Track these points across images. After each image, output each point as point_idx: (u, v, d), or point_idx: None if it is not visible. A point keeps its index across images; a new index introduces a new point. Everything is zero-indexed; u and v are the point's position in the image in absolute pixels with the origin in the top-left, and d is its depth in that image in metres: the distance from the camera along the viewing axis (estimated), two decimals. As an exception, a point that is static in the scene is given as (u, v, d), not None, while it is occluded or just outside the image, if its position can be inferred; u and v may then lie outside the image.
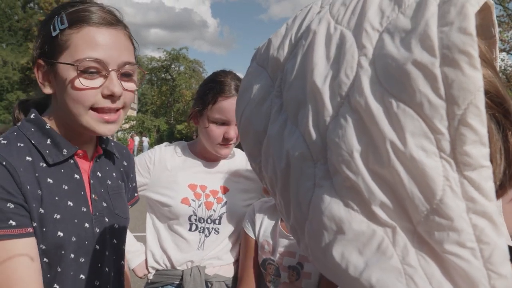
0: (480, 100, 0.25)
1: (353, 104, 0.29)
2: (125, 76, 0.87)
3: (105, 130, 0.86)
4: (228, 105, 1.33)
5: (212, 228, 1.42)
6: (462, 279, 0.27)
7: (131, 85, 0.88)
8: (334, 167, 0.31)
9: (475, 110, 0.25)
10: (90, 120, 0.84)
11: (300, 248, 0.37)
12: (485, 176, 0.27)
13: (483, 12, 0.36)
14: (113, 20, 0.85)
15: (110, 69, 0.83)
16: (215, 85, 1.36)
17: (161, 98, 35.27)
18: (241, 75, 1.44)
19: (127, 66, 0.86)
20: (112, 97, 0.84)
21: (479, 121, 0.26)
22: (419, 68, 0.26)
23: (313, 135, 0.32)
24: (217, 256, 1.44)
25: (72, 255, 0.86)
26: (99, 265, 0.92)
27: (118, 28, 0.86)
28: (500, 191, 0.33)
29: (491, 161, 0.29)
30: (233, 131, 1.35)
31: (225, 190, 1.45)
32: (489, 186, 0.27)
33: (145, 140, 22.75)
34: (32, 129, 0.86)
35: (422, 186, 0.27)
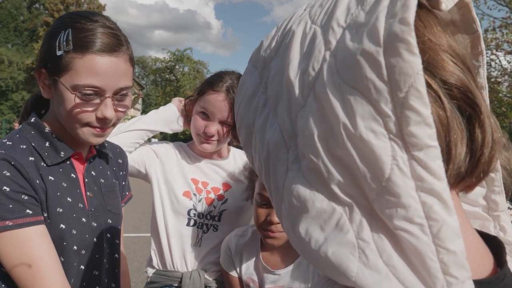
0: (420, 83, 0.27)
1: (316, 93, 0.32)
2: (120, 98, 0.94)
3: (96, 141, 0.95)
4: (212, 99, 1.34)
5: (211, 224, 1.42)
6: (411, 253, 0.29)
7: (124, 106, 0.96)
8: (301, 152, 0.34)
9: (415, 92, 0.27)
10: (84, 133, 0.92)
11: (284, 230, 0.39)
12: (432, 156, 0.28)
13: (462, 9, 0.38)
14: (115, 45, 0.90)
15: (106, 95, 0.89)
16: (212, 79, 1.39)
17: (165, 98, 35.34)
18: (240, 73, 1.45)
19: (123, 91, 0.93)
20: (104, 120, 0.91)
21: (420, 103, 0.27)
22: (366, 57, 0.29)
23: (287, 123, 0.35)
24: (217, 260, 1.42)
25: (75, 247, 0.93)
26: (96, 256, 0.99)
27: (120, 54, 0.90)
28: (466, 178, 0.35)
29: (451, 146, 0.31)
30: (213, 127, 1.35)
31: (227, 188, 1.45)
32: (437, 165, 0.28)
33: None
34: (32, 132, 0.94)
35: (372, 165, 0.29)
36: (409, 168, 0.28)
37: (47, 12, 31.63)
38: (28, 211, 0.84)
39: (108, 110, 0.90)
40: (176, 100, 1.54)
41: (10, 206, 0.82)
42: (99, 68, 0.87)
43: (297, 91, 0.34)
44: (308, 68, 0.33)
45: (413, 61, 0.27)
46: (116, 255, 1.08)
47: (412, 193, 0.28)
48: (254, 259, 1.31)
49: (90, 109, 0.89)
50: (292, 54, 0.35)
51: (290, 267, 1.23)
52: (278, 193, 0.37)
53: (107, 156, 1.10)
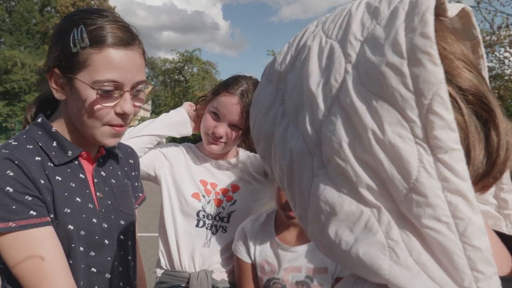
0: (443, 90, 0.30)
1: (341, 103, 0.34)
2: (136, 93, 0.93)
3: (111, 142, 0.94)
4: (226, 101, 1.35)
5: (220, 225, 1.42)
6: (439, 250, 0.30)
7: (140, 102, 0.95)
8: (327, 158, 0.36)
9: (439, 99, 0.29)
10: (103, 134, 0.91)
11: (308, 236, 0.41)
12: (456, 158, 0.30)
13: (463, 18, 0.41)
14: (129, 39, 0.89)
15: (125, 89, 0.88)
16: (228, 81, 1.40)
17: (175, 99, 35.47)
18: (252, 75, 1.45)
19: (139, 85, 0.92)
20: (123, 115, 0.90)
21: (444, 108, 0.30)
22: (391, 69, 0.31)
23: (310, 132, 0.37)
24: (225, 260, 1.42)
25: (82, 249, 0.90)
26: (108, 258, 0.96)
27: (134, 48, 0.90)
28: (483, 179, 0.37)
29: (470, 149, 0.34)
30: (222, 128, 1.35)
31: (236, 189, 1.45)
32: (461, 167, 0.30)
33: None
34: (39, 132, 0.92)
35: (400, 168, 0.31)
36: (435, 170, 0.30)
37: (58, 15, 32.00)
38: (32, 212, 0.82)
39: (127, 105, 0.89)
40: (186, 104, 1.55)
41: (14, 207, 0.81)
42: (116, 62, 0.86)
43: (320, 102, 0.36)
44: (330, 80, 0.36)
45: (436, 71, 0.30)
46: (130, 257, 1.06)
47: (438, 193, 0.30)
48: (269, 240, 1.31)
49: (111, 104, 0.88)
50: (311, 67, 0.38)
51: (307, 246, 1.24)
52: (303, 198, 0.39)
53: (117, 156, 1.08)
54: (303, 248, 1.25)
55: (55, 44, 0.89)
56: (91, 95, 0.86)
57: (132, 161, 1.15)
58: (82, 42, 0.84)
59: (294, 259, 1.25)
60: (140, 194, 1.19)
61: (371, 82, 0.33)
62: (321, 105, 0.36)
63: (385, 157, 0.32)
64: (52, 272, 0.81)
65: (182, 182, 1.42)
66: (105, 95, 0.86)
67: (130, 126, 1.58)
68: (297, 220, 0.44)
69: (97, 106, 0.86)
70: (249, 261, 1.31)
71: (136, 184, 1.16)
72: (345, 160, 0.34)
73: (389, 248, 0.32)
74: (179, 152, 1.48)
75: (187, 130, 1.49)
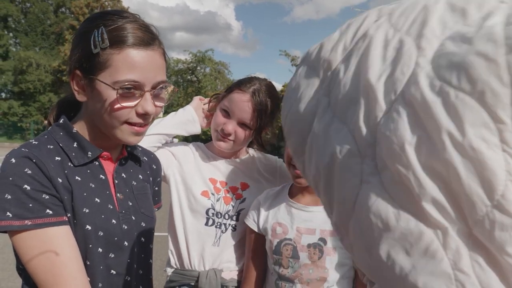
0: None
1: (407, 98, 0.29)
2: (157, 94, 0.92)
3: (134, 140, 0.94)
4: (237, 98, 1.35)
5: (229, 224, 1.41)
6: None
7: (161, 101, 0.94)
8: (383, 162, 0.30)
9: None
10: (123, 132, 0.91)
11: (343, 246, 0.37)
12: None
13: None
14: (150, 40, 0.89)
15: (145, 89, 0.88)
16: (241, 80, 1.41)
17: (187, 99, 35.62)
18: (264, 75, 1.46)
19: (160, 85, 0.91)
20: (145, 115, 0.90)
21: None
22: (481, 57, 0.26)
23: (363, 131, 0.32)
24: (234, 259, 1.42)
25: (100, 250, 0.90)
26: (128, 261, 0.95)
27: (155, 48, 0.90)
28: None
29: None
30: (231, 125, 1.35)
31: (245, 187, 1.45)
32: None
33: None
34: (61, 133, 0.93)
35: (482, 180, 0.25)
36: None
37: (72, 15, 32.41)
38: (48, 211, 0.82)
39: (148, 104, 0.89)
40: (196, 100, 1.55)
41: (30, 205, 0.81)
42: (137, 62, 0.86)
43: (379, 96, 0.31)
44: (395, 73, 0.30)
45: None
46: (151, 260, 1.05)
47: None
48: (283, 202, 1.29)
49: (132, 104, 0.88)
50: (372, 58, 0.32)
51: (322, 207, 1.21)
52: (345, 207, 0.33)
53: (139, 159, 1.07)
54: (318, 209, 1.22)
55: (76, 46, 0.90)
56: (111, 95, 0.86)
57: (155, 167, 1.15)
58: (102, 43, 0.85)
59: (308, 220, 1.22)
60: (160, 200, 1.19)
61: (451, 73, 0.27)
62: (381, 100, 0.31)
63: (463, 165, 0.26)
64: (67, 272, 0.81)
65: (191, 181, 1.41)
66: (126, 95, 0.86)
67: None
68: (332, 227, 0.38)
69: (118, 106, 0.86)
70: (255, 229, 1.31)
71: (156, 188, 1.16)
72: (407, 166, 0.28)
73: (456, 281, 0.27)
74: (188, 151, 1.48)
75: (196, 128, 1.49)
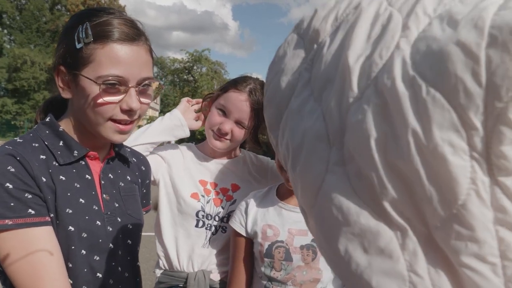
0: None
1: (379, 86, 0.27)
2: (143, 90, 0.90)
3: (119, 139, 0.91)
4: (234, 97, 1.34)
5: (220, 226, 1.40)
6: None
7: (147, 98, 0.92)
8: (349, 154, 0.28)
9: None
10: (107, 129, 0.89)
11: (308, 227, 0.36)
12: None
13: None
14: (135, 35, 0.87)
15: (130, 85, 0.86)
16: (236, 79, 1.40)
17: (183, 99, 35.63)
18: (260, 76, 1.46)
19: (146, 81, 0.90)
20: (129, 111, 0.88)
21: None
22: (461, 49, 0.23)
23: (334, 116, 0.29)
24: (223, 260, 1.41)
25: (84, 252, 0.87)
26: (113, 263, 0.93)
27: (140, 44, 0.88)
28: None
29: None
30: (228, 125, 1.34)
31: (236, 188, 1.44)
32: None
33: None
34: (47, 132, 0.91)
35: (443, 187, 0.24)
36: (490, 195, 0.23)
37: (68, 13, 32.29)
38: (30, 210, 0.80)
39: (133, 100, 0.87)
40: (183, 101, 1.53)
41: (12, 204, 0.78)
42: (121, 57, 0.84)
43: (353, 80, 0.28)
44: (373, 55, 0.28)
45: None
46: (138, 263, 1.03)
47: (489, 226, 0.23)
48: (271, 204, 1.26)
49: (115, 100, 0.86)
50: (357, 34, 0.29)
51: None
52: (309, 192, 0.32)
53: (127, 160, 1.05)
54: None
55: (61, 42, 0.89)
56: (95, 90, 0.84)
57: (144, 168, 1.13)
58: (86, 38, 0.83)
59: (300, 221, 1.18)
60: (149, 204, 1.17)
61: (426, 63, 0.24)
62: (354, 84, 0.28)
63: (425, 170, 0.24)
64: (47, 274, 0.78)
65: (181, 183, 1.40)
66: (110, 90, 0.84)
67: (139, 126, 1.58)
68: (299, 207, 0.37)
69: (101, 101, 0.84)
70: (243, 232, 1.26)
71: (144, 191, 1.13)
72: (370, 163, 0.27)
73: (410, 283, 0.26)
74: (177, 153, 1.47)
75: (184, 132, 1.47)
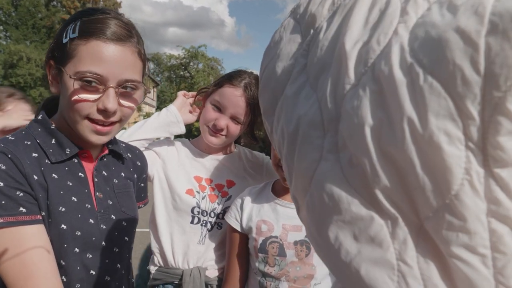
0: None
1: (376, 73, 0.26)
2: (125, 92, 0.88)
3: (96, 139, 0.89)
4: (229, 93, 1.34)
5: (215, 222, 1.40)
6: (465, 286, 0.24)
7: (130, 102, 0.90)
8: (343, 141, 0.28)
9: None
10: (84, 128, 0.87)
11: (300, 217, 0.36)
12: None
13: None
14: (123, 36, 0.86)
15: (109, 85, 0.85)
16: (231, 74, 1.40)
17: (180, 95, 35.46)
18: (257, 72, 1.45)
19: (128, 83, 0.87)
20: (105, 112, 0.86)
21: None
22: (460, 36, 0.22)
23: (329, 102, 0.29)
24: (219, 257, 1.41)
25: (77, 250, 0.87)
26: (107, 261, 0.93)
27: (127, 45, 0.86)
28: None
29: None
30: (223, 121, 1.34)
31: (231, 184, 1.44)
32: None
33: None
34: (39, 129, 0.90)
35: (437, 176, 0.24)
36: (484, 186, 0.23)
37: (64, 9, 32.07)
38: (21, 209, 0.79)
39: (110, 101, 0.85)
40: (180, 96, 1.52)
41: (3, 202, 0.78)
42: (102, 54, 0.83)
43: (350, 66, 0.28)
44: (371, 40, 0.27)
45: None
46: (131, 260, 1.03)
47: (481, 217, 0.23)
48: (266, 200, 1.27)
49: (91, 98, 0.84)
50: (354, 19, 0.29)
51: None
52: (303, 180, 0.32)
53: (121, 156, 1.04)
54: None
55: (55, 37, 0.89)
56: (71, 86, 0.83)
57: (140, 163, 1.13)
58: (72, 33, 0.83)
59: (294, 217, 1.19)
60: (147, 196, 1.17)
61: (425, 50, 0.24)
62: (351, 70, 0.28)
63: (419, 158, 0.24)
64: (38, 272, 0.78)
65: (176, 179, 1.40)
66: (88, 88, 0.83)
67: (135, 122, 1.57)
68: (290, 196, 0.36)
69: (76, 98, 0.83)
70: (238, 228, 1.28)
71: (141, 185, 1.13)
72: (364, 150, 0.26)
73: (398, 272, 0.26)
74: (172, 149, 1.46)
75: (180, 129, 1.47)
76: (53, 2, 36.53)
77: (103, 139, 0.91)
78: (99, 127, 0.88)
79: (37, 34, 36.07)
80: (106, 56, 0.83)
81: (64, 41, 0.84)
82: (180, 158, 1.46)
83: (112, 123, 0.90)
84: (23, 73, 31.14)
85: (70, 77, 0.83)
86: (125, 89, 0.88)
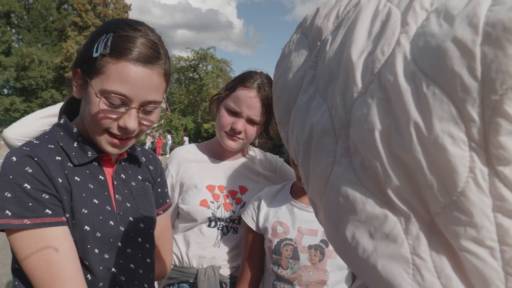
0: None
1: (382, 81, 0.28)
2: (146, 111, 0.91)
3: (111, 150, 0.92)
4: (244, 95, 1.33)
5: (231, 227, 1.40)
6: (475, 278, 0.26)
7: (149, 120, 0.93)
8: (355, 146, 0.30)
9: None
10: (102, 139, 0.90)
11: (318, 219, 0.37)
12: None
13: None
14: (152, 58, 0.87)
15: (132, 106, 0.87)
16: (243, 76, 1.38)
17: (189, 97, 35.68)
18: (266, 73, 1.44)
19: (151, 104, 0.90)
20: (125, 129, 0.88)
21: None
22: (457, 45, 0.24)
23: (340, 110, 0.31)
24: (233, 256, 1.41)
25: (96, 251, 0.90)
26: (120, 261, 0.95)
27: (155, 67, 0.88)
28: None
29: None
30: (241, 124, 1.33)
31: (244, 190, 1.43)
32: None
33: (169, 138, 23.46)
34: (61, 133, 0.93)
35: (443, 175, 0.25)
36: (489, 184, 0.24)
37: (75, 12, 32.40)
38: (47, 211, 0.82)
39: (131, 121, 0.87)
40: None
41: (30, 204, 0.80)
42: (130, 77, 0.85)
43: (357, 75, 0.30)
44: (375, 51, 0.29)
45: None
46: (148, 259, 1.04)
47: (487, 212, 0.24)
48: (284, 201, 1.26)
49: (113, 116, 0.87)
50: (358, 31, 0.31)
51: None
52: (319, 184, 0.34)
53: (138, 160, 1.07)
54: None
55: (85, 45, 0.91)
56: (96, 102, 0.85)
57: (152, 168, 1.14)
58: (103, 49, 0.84)
59: (311, 220, 1.18)
60: (167, 201, 1.18)
61: (426, 59, 0.25)
62: (358, 79, 0.29)
63: (426, 159, 0.26)
64: (63, 273, 0.80)
65: (188, 193, 1.40)
66: (111, 105, 0.86)
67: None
68: (308, 200, 0.38)
69: (100, 115, 0.86)
70: (253, 227, 1.27)
71: (159, 190, 1.14)
72: (375, 153, 0.28)
73: (413, 265, 0.27)
74: (183, 163, 1.45)
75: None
76: (64, 5, 36.98)
77: (119, 151, 0.94)
78: (115, 141, 0.90)
79: (48, 37, 36.53)
80: (133, 79, 0.85)
81: (95, 55, 0.86)
82: (191, 168, 1.44)
83: (129, 138, 0.93)
84: (35, 75, 31.54)
85: (96, 95, 0.85)
86: (146, 108, 0.90)
